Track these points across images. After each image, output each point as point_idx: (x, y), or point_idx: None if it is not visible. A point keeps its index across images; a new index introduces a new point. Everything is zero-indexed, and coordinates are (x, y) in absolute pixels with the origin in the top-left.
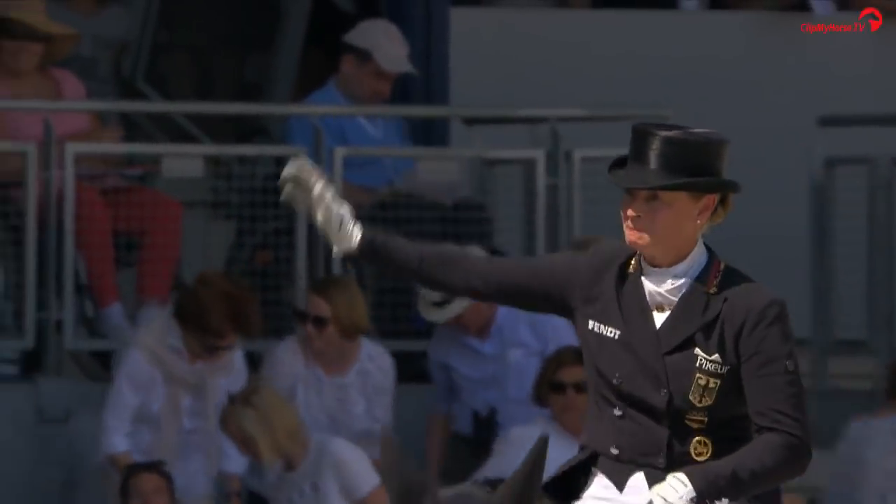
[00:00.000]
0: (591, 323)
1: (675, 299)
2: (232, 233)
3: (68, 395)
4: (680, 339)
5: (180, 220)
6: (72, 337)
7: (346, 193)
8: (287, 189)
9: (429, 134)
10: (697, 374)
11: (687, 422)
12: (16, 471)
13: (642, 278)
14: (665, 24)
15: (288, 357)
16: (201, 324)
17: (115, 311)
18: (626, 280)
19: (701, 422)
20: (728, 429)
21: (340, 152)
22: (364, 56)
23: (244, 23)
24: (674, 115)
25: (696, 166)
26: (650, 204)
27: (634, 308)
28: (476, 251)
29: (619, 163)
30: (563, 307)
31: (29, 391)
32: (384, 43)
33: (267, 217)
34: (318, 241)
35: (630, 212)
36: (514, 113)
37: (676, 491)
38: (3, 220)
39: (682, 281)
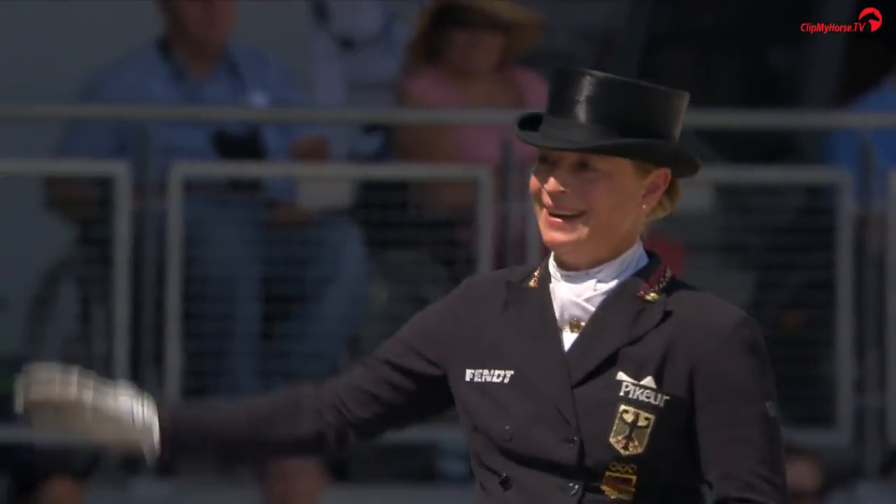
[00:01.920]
0: (468, 374)
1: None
2: (751, 286)
3: None
4: (596, 362)
5: (682, 269)
6: None
7: None
8: (48, 419)
9: None
10: (622, 407)
11: (604, 487)
12: None
13: (551, 287)
14: None
15: None
16: None
17: None
18: (522, 302)
19: (626, 483)
20: None
21: None
22: None
23: (765, 6)
24: None
25: (646, 125)
26: (580, 175)
27: (536, 332)
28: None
29: (530, 121)
30: (443, 387)
31: None
32: None
33: (797, 265)
34: (868, 298)
35: (551, 184)
36: None
37: None
38: (448, 269)
39: (611, 285)
